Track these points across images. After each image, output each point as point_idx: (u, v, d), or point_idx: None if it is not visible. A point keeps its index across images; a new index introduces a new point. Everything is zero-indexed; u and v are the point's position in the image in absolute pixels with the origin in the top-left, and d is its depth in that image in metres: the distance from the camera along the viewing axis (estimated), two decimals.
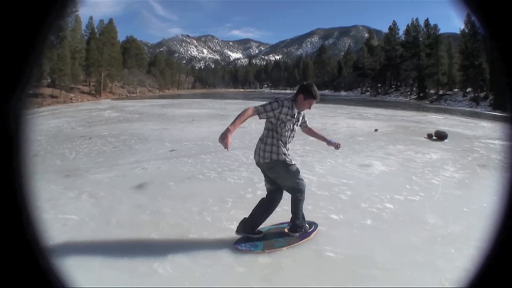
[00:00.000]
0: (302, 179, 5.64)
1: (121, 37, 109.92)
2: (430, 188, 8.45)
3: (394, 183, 8.80)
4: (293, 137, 5.59)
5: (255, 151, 5.51)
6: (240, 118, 4.96)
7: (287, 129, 5.34)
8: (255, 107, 5.13)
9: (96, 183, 8.86)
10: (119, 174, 9.76)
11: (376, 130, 19.54)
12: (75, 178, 9.35)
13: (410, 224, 6.28)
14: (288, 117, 5.27)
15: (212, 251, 5.13)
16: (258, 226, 5.66)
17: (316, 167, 10.25)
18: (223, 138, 4.75)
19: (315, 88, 5.37)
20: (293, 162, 5.52)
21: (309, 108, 5.45)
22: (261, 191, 7.63)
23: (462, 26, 77.73)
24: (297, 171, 5.58)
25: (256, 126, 19.15)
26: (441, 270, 4.63)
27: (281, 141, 5.36)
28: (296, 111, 5.38)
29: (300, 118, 5.62)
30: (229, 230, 5.76)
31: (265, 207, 5.65)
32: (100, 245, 5.34)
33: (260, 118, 5.19)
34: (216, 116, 28.90)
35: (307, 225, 5.77)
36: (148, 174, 9.71)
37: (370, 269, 4.66)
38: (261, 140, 5.47)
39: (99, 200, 7.55)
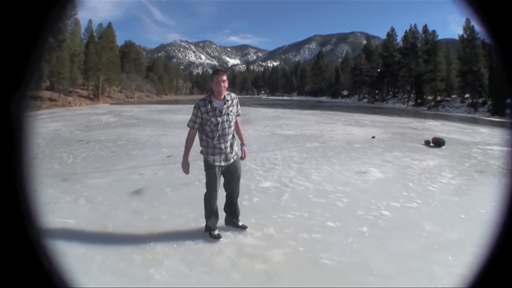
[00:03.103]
0: (212, 188, 5.86)
1: (119, 42, 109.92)
2: (427, 195, 8.45)
3: (391, 190, 8.80)
4: (228, 128, 5.78)
5: None
6: (187, 145, 5.76)
7: (213, 124, 5.60)
8: (188, 126, 5.78)
9: (93, 188, 8.87)
10: (116, 179, 9.77)
11: (373, 137, 19.54)
12: (72, 183, 9.37)
13: (406, 231, 6.27)
14: (210, 114, 5.62)
15: (208, 258, 5.14)
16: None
17: (313, 174, 10.26)
18: (183, 166, 5.85)
19: (216, 68, 5.69)
20: (216, 164, 5.74)
21: (223, 83, 5.65)
22: (258, 198, 7.77)
23: (461, 32, 77.90)
24: (212, 177, 5.82)
25: (252, 133, 19.27)
26: (438, 277, 4.64)
27: (210, 138, 5.66)
28: (216, 103, 5.68)
29: (230, 108, 5.82)
30: (225, 237, 5.77)
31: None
32: (97, 250, 5.34)
33: (195, 129, 5.75)
34: None
35: (213, 232, 5.88)
36: (145, 180, 9.72)
37: (366, 276, 4.66)
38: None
39: (96, 205, 7.56)
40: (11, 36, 1.07)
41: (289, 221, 6.53)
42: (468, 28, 74.25)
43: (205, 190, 5.91)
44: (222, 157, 5.70)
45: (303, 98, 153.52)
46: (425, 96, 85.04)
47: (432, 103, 79.59)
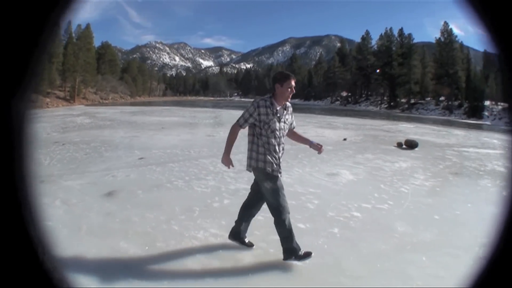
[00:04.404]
0: (282, 204, 5.10)
1: (96, 43, 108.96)
2: (399, 197, 8.57)
3: (362, 192, 8.89)
4: (283, 137, 5.32)
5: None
6: (229, 140, 5.22)
7: (270, 130, 5.08)
8: (236, 122, 5.17)
9: (68, 190, 8.84)
10: (90, 182, 9.71)
11: (345, 139, 19.77)
12: (49, 185, 9.31)
13: (378, 232, 6.33)
14: (270, 116, 5.07)
15: (179, 260, 5.15)
16: (241, 232, 5.63)
17: (283, 176, 10.20)
18: (224, 162, 5.27)
19: (284, 71, 5.34)
20: (277, 174, 5.21)
21: (293, 90, 5.21)
22: (228, 200, 7.81)
23: (438, 35, 78.74)
24: (280, 188, 5.19)
25: (224, 134, 19.23)
26: (412, 278, 4.71)
27: (273, 145, 5.12)
28: (277, 107, 5.17)
29: (287, 117, 5.36)
30: (196, 239, 5.77)
31: (242, 209, 5.67)
32: (72, 252, 5.28)
33: (243, 128, 5.18)
34: (186, 124, 29.14)
35: (300, 250, 5.13)
36: (118, 182, 9.68)
37: (338, 277, 4.69)
38: (248, 146, 5.28)
39: (71, 207, 7.53)
40: (12, 37, 1.07)
41: (259, 222, 6.45)
42: (446, 31, 75.18)
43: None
44: (278, 167, 5.25)
45: None
46: (398, 99, 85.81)
47: (406, 106, 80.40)
